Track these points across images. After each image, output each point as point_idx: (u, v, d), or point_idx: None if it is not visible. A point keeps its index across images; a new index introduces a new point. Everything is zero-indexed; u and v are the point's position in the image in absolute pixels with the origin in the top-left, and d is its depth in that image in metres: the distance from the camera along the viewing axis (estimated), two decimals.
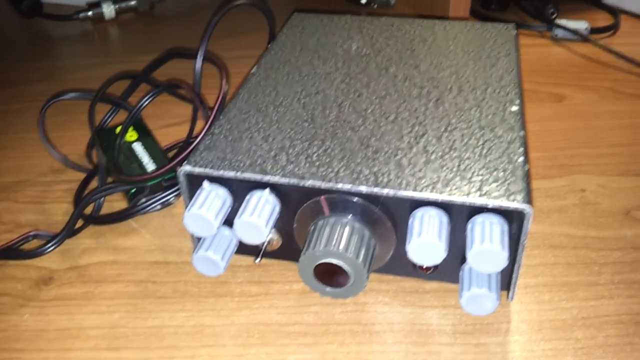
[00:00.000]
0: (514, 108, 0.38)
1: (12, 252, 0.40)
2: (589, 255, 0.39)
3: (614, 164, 0.48)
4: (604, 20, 0.74)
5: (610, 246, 0.40)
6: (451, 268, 0.35)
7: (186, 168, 0.34)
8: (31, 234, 0.41)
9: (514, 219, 0.31)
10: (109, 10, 0.78)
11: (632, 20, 0.74)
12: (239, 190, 0.34)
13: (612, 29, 0.70)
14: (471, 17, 0.74)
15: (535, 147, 0.50)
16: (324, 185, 0.32)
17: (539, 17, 0.73)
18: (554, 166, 0.48)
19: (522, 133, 0.35)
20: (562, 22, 0.68)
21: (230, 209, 0.35)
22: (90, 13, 0.77)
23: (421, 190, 0.31)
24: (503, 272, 0.34)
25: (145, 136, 0.47)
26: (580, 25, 0.67)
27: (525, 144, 0.35)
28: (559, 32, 0.68)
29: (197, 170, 0.34)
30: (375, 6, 0.78)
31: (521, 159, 0.33)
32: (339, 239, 0.32)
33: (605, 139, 0.51)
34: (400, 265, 0.36)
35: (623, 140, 0.51)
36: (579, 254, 0.39)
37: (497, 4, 0.76)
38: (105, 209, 0.44)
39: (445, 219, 0.31)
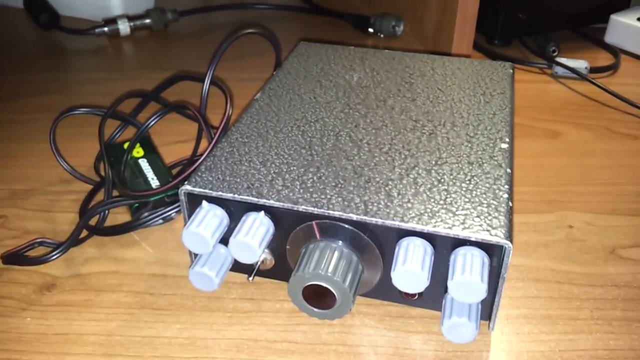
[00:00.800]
0: (504, 145, 0.40)
1: (18, 257, 0.42)
2: (572, 290, 0.40)
3: (603, 203, 0.49)
4: (605, 59, 0.76)
5: (593, 282, 0.41)
6: (435, 296, 0.37)
7: (187, 187, 0.36)
8: (37, 241, 0.42)
9: (494, 253, 0.33)
10: (124, 27, 0.80)
11: (632, 60, 0.76)
12: (236, 211, 0.36)
13: (612, 68, 0.72)
14: (475, 51, 0.76)
15: (526, 182, 0.52)
16: (316, 211, 0.34)
17: (541, 54, 0.75)
18: (544, 201, 0.49)
19: (509, 170, 0.37)
20: (563, 60, 0.70)
21: (226, 228, 0.36)
22: (106, 29, 0.80)
23: (408, 221, 0.33)
24: (484, 302, 0.35)
25: (151, 153, 0.49)
26: (580, 64, 0.69)
27: (510, 181, 0.36)
28: (559, 70, 0.70)
29: (197, 190, 0.36)
30: (382, 36, 0.80)
31: (505, 195, 0.35)
32: (328, 263, 0.33)
33: (597, 177, 0.53)
34: (387, 290, 0.37)
35: (614, 179, 0.52)
36: (561, 288, 0.41)
37: (501, 40, 0.78)
38: (109, 221, 0.46)
39: (429, 249, 0.33)
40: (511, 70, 0.50)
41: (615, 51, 0.77)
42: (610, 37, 0.79)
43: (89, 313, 0.38)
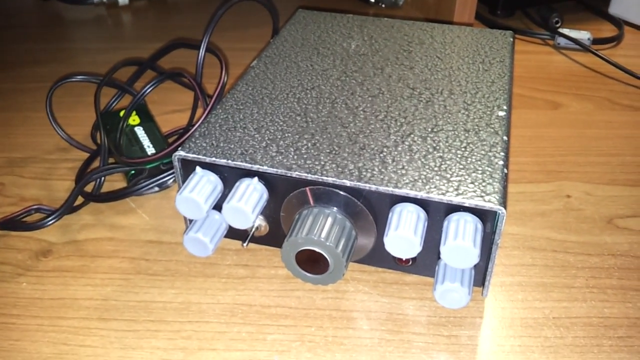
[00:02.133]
0: (501, 113, 0.39)
1: (15, 223, 0.42)
2: (567, 259, 0.40)
3: (602, 173, 0.49)
4: (608, 31, 0.75)
5: (589, 251, 0.41)
6: (429, 263, 0.37)
7: (180, 153, 0.36)
8: (34, 207, 0.43)
9: (488, 219, 0.33)
10: None
11: (635, 32, 0.75)
12: (230, 177, 0.36)
13: (615, 40, 0.71)
14: (477, 22, 0.75)
15: (526, 153, 0.51)
16: (310, 177, 0.34)
17: (544, 25, 0.74)
18: (542, 171, 0.49)
19: (505, 138, 0.37)
20: (565, 31, 0.69)
21: (220, 194, 0.36)
22: None
23: (401, 187, 0.33)
24: (478, 269, 0.35)
25: (147, 121, 0.49)
26: (583, 35, 0.68)
27: (507, 148, 0.36)
28: (562, 41, 0.69)
29: (191, 156, 0.35)
30: (383, 6, 0.80)
31: (501, 162, 0.35)
32: (321, 228, 0.33)
33: (596, 148, 0.52)
34: (381, 257, 0.37)
35: (613, 150, 0.52)
36: (557, 257, 0.41)
37: (503, 10, 0.77)
38: (105, 188, 0.46)
39: (422, 215, 0.33)
40: (511, 39, 0.49)
41: (618, 22, 0.76)
42: (614, 9, 0.78)
43: (84, 278, 0.38)
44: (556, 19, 0.73)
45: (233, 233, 0.39)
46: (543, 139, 0.53)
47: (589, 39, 0.69)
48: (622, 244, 0.42)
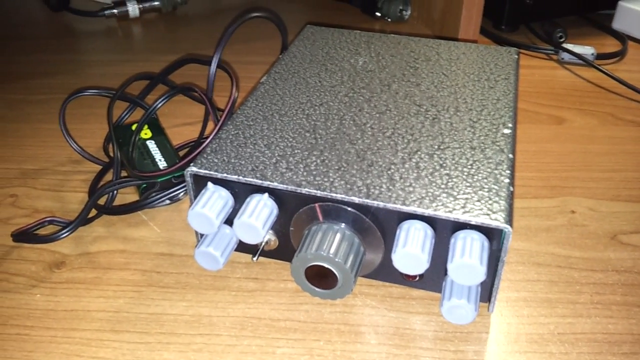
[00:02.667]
0: (506, 131, 0.40)
1: (28, 236, 0.43)
2: (572, 274, 0.41)
3: (605, 189, 0.50)
4: (612, 46, 0.76)
5: (593, 267, 0.42)
6: (436, 278, 0.37)
7: (192, 169, 0.36)
8: (47, 219, 0.43)
9: (494, 237, 0.33)
10: (133, 9, 0.81)
11: (639, 47, 0.76)
12: (241, 193, 0.37)
13: (619, 55, 0.72)
14: (481, 36, 0.76)
15: (529, 168, 0.52)
16: (319, 193, 0.35)
17: (548, 40, 0.75)
18: (546, 187, 0.50)
19: (510, 155, 0.38)
20: (569, 46, 0.70)
21: (231, 209, 0.37)
22: (115, 11, 0.81)
23: (409, 205, 0.34)
24: (484, 285, 0.36)
25: (159, 135, 0.50)
26: (587, 50, 0.69)
27: (512, 166, 0.37)
28: (566, 56, 0.70)
29: (203, 171, 0.36)
30: (389, 20, 0.80)
31: (507, 180, 0.35)
32: (330, 244, 0.34)
33: (600, 163, 0.53)
34: (388, 272, 0.38)
35: (617, 165, 0.53)
36: (561, 272, 0.41)
37: (508, 25, 0.78)
38: (118, 201, 0.46)
39: (430, 232, 0.34)
40: (516, 56, 0.50)
41: (622, 38, 0.76)
42: (618, 24, 0.79)
43: (97, 290, 0.39)
44: (560, 34, 0.74)
45: (243, 246, 0.40)
46: (547, 154, 0.54)
47: (592, 54, 0.69)
48: (626, 260, 0.42)
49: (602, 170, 0.52)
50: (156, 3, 0.82)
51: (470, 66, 0.48)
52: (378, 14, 0.81)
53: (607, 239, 0.44)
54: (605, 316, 0.38)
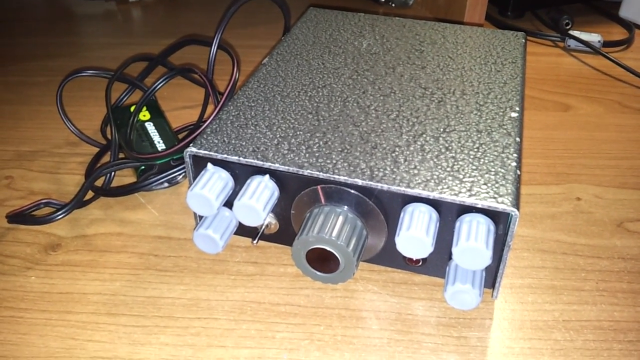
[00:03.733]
0: (513, 114, 0.39)
1: (24, 217, 0.42)
2: (577, 261, 0.40)
3: (612, 176, 0.49)
4: (619, 34, 0.75)
5: (599, 254, 0.41)
6: (439, 263, 0.37)
7: (192, 149, 0.36)
8: (43, 201, 0.42)
9: (500, 221, 0.33)
10: None
11: None
12: (241, 174, 0.36)
13: (626, 43, 0.71)
14: (487, 23, 0.75)
15: (536, 154, 0.51)
16: (321, 175, 0.34)
17: (554, 27, 0.74)
18: (552, 174, 0.49)
19: (517, 139, 0.37)
20: (576, 33, 0.69)
21: (231, 191, 0.36)
22: None
23: (413, 187, 0.33)
24: (488, 270, 0.35)
25: (158, 117, 0.49)
26: (593, 37, 0.68)
27: (519, 150, 0.36)
28: (572, 43, 0.69)
29: (202, 152, 0.35)
30: (393, 5, 0.79)
31: (514, 163, 0.35)
32: (332, 227, 0.33)
33: (606, 151, 0.52)
34: (391, 257, 0.37)
35: (623, 153, 0.52)
36: (567, 259, 0.40)
37: (514, 11, 0.77)
38: (115, 184, 0.46)
39: (434, 215, 0.33)
40: (523, 40, 0.49)
41: (629, 26, 0.75)
42: (625, 11, 0.78)
43: (93, 273, 0.38)
44: (566, 20, 0.73)
45: (242, 230, 0.39)
46: (553, 141, 0.53)
47: (599, 41, 0.68)
48: (632, 247, 0.41)
49: (609, 158, 0.51)
50: None
51: (477, 49, 0.47)
52: None
53: (613, 227, 0.43)
54: (610, 303, 0.37)
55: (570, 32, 0.70)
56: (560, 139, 0.54)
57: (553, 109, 0.58)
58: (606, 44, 0.69)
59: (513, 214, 0.32)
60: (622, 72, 0.64)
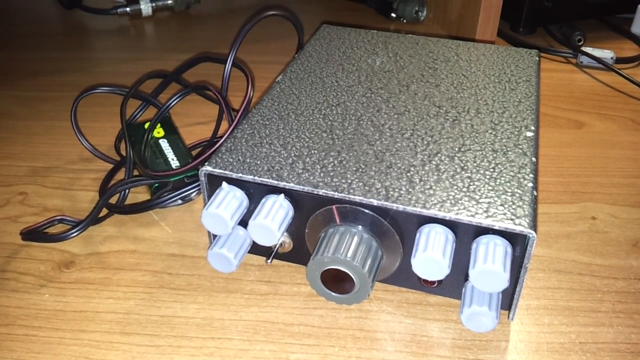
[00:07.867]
0: (529, 134, 0.39)
1: (38, 234, 0.42)
2: (593, 282, 0.40)
3: (627, 195, 0.48)
4: (631, 50, 0.74)
5: (615, 275, 0.40)
6: (455, 284, 0.36)
7: (207, 168, 0.36)
8: (57, 218, 0.43)
9: (518, 242, 0.32)
10: (146, 7, 0.80)
11: None
12: (256, 193, 0.36)
13: (638, 59, 0.71)
14: (499, 39, 0.75)
15: (549, 172, 0.51)
16: (336, 195, 0.34)
17: (566, 43, 0.74)
18: (567, 192, 0.48)
19: (534, 159, 0.36)
20: (588, 49, 0.69)
21: (246, 210, 0.36)
22: (128, 9, 0.80)
23: (429, 208, 0.32)
24: (505, 292, 0.35)
25: (172, 133, 0.49)
26: (606, 54, 0.68)
27: (536, 170, 0.36)
28: (584, 60, 0.69)
29: (217, 171, 0.35)
30: (405, 21, 0.79)
31: (530, 184, 0.34)
32: (347, 248, 0.33)
33: (621, 169, 0.52)
34: (406, 277, 0.37)
35: (637, 171, 0.51)
36: (583, 280, 0.40)
37: (525, 27, 0.77)
38: (129, 201, 0.46)
39: (451, 236, 0.33)
40: (537, 58, 0.49)
41: None
42: (637, 28, 0.77)
43: (106, 291, 0.38)
44: (579, 37, 0.73)
45: (256, 248, 0.39)
46: (567, 159, 0.53)
47: (612, 57, 0.68)
48: None
49: (623, 176, 0.51)
50: (169, 2, 0.82)
51: (491, 67, 0.47)
52: (393, 15, 0.80)
53: (629, 246, 0.43)
54: (627, 325, 0.37)
55: (583, 48, 0.70)
56: (574, 156, 0.53)
57: (566, 126, 0.58)
58: (619, 60, 0.69)
59: (531, 236, 0.31)
60: (635, 88, 0.64)
